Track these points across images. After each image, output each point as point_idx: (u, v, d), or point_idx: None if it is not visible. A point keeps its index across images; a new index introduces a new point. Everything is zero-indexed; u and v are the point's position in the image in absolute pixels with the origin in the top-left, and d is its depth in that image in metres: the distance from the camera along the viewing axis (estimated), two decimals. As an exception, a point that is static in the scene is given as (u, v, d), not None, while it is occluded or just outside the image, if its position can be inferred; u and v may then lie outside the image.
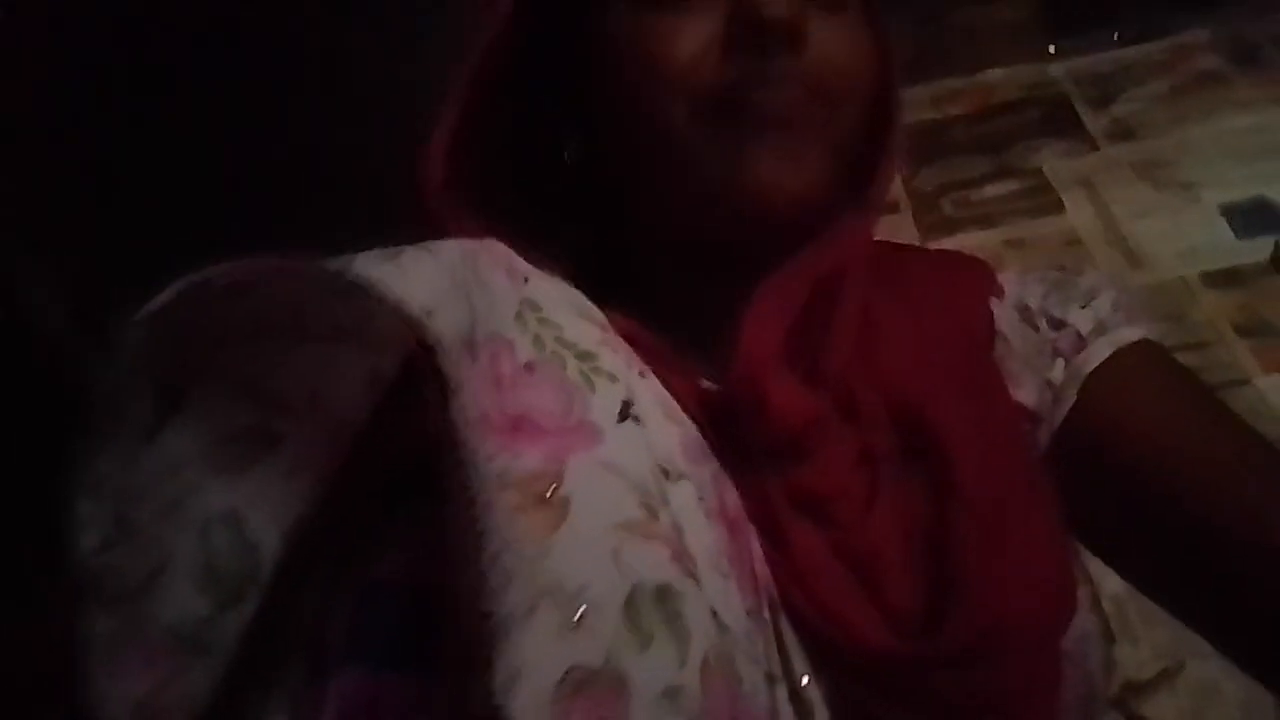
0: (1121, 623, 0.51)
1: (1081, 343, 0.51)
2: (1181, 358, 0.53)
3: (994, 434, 0.47)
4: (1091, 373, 0.50)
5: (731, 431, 0.44)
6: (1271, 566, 0.43)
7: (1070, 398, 0.50)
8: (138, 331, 0.36)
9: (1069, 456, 0.49)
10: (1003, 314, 0.53)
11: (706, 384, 0.46)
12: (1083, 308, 0.52)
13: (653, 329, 0.46)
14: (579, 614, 0.33)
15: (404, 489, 0.41)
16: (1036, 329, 0.52)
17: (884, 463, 0.46)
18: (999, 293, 0.54)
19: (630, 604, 0.34)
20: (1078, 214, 1.66)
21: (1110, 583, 0.51)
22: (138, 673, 0.36)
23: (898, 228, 1.63)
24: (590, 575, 0.34)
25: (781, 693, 0.40)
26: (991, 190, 1.73)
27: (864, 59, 0.48)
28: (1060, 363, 0.51)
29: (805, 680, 0.41)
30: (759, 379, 0.44)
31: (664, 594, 0.35)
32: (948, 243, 1.62)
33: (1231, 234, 1.56)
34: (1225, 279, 1.50)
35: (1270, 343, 1.41)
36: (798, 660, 0.41)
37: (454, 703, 0.35)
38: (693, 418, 0.44)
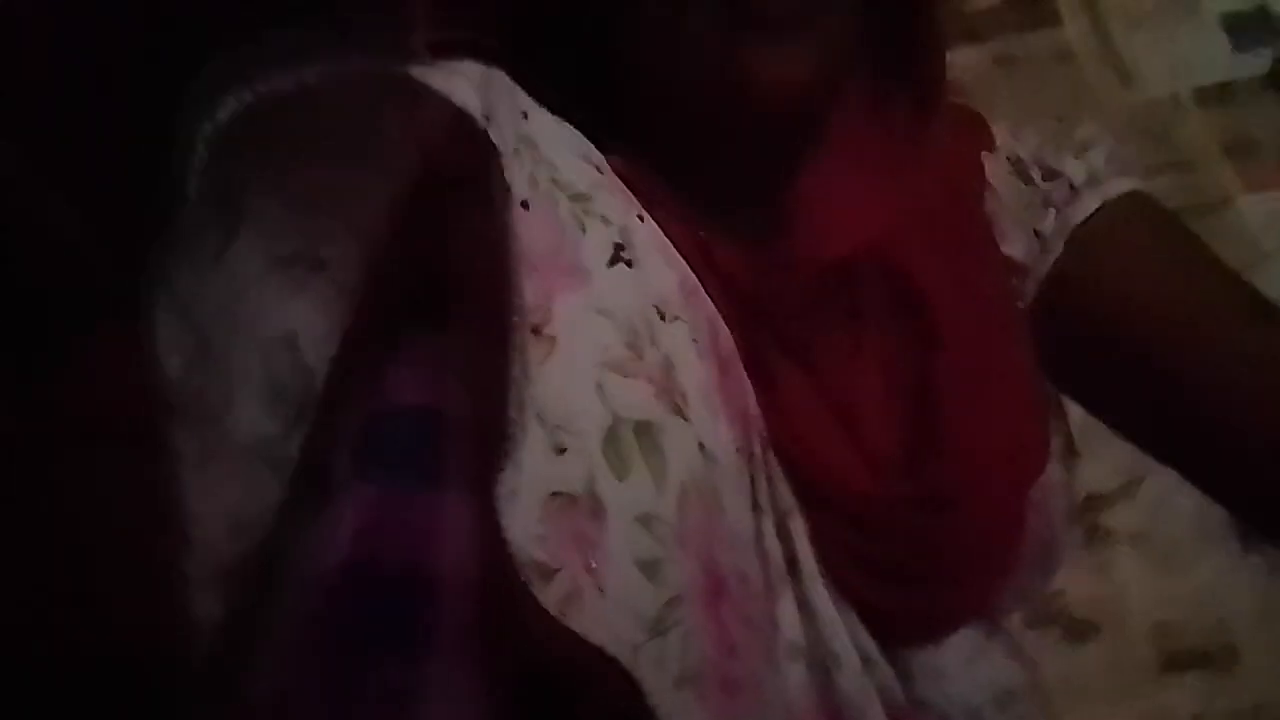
0: (1086, 441, 0.53)
1: (1073, 194, 0.51)
2: (1164, 178, 0.53)
3: (979, 289, 0.48)
4: (1079, 224, 0.50)
5: (729, 286, 0.45)
6: (1236, 418, 0.47)
7: (1057, 249, 0.51)
8: (204, 148, 0.36)
9: (1052, 306, 0.51)
10: (994, 167, 0.53)
11: (703, 234, 0.46)
12: (1076, 158, 0.52)
13: (653, 175, 0.45)
14: (563, 443, 0.35)
15: (406, 316, 0.41)
16: (1028, 181, 0.52)
17: (870, 315, 0.47)
18: (990, 146, 0.54)
19: (611, 436, 0.36)
20: (1073, 26, 1.61)
21: (1076, 408, 0.53)
22: (226, 488, 0.37)
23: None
24: (574, 408, 0.36)
25: (768, 523, 0.42)
26: (983, 2, 1.66)
27: None
28: (1051, 214, 0.51)
29: (789, 512, 0.43)
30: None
31: (644, 428, 0.37)
32: (936, 58, 1.57)
33: (1229, 46, 1.51)
34: (1217, 95, 1.47)
35: (1258, 161, 1.40)
36: (784, 494, 0.43)
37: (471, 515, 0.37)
38: (689, 263, 0.44)
